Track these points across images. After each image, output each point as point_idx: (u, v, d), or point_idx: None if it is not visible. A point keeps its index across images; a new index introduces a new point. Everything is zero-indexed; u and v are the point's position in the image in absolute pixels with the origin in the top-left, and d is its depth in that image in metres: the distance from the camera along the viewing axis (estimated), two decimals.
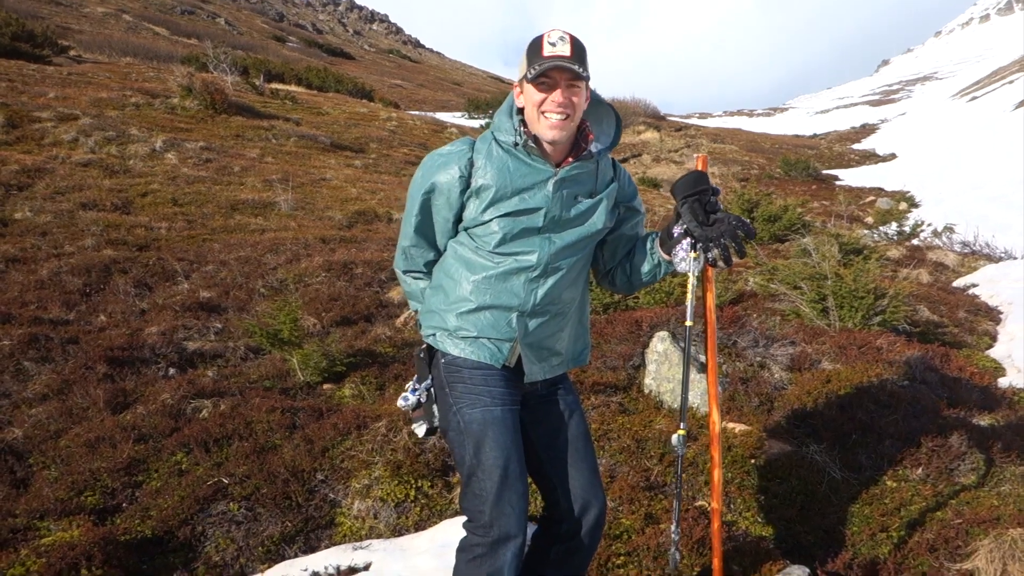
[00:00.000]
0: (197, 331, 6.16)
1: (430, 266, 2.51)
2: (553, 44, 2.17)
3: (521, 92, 2.28)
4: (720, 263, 2.33)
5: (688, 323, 2.57)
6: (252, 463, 3.98)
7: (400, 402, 2.47)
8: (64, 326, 6.06)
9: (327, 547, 3.54)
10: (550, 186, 2.26)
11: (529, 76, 2.19)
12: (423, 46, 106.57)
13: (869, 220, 17.80)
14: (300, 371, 5.35)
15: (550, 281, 2.31)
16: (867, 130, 53.67)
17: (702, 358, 5.05)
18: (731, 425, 4.29)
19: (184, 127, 14.93)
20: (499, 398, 2.30)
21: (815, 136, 52.07)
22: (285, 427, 4.39)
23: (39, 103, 14.12)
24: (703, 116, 74.13)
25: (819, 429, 4.32)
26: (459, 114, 37.58)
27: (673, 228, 2.36)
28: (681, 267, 2.36)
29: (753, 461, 3.97)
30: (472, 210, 2.30)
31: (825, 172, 29.99)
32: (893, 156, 36.66)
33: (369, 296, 7.35)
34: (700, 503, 3.68)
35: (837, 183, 27.53)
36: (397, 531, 3.64)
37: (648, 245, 2.44)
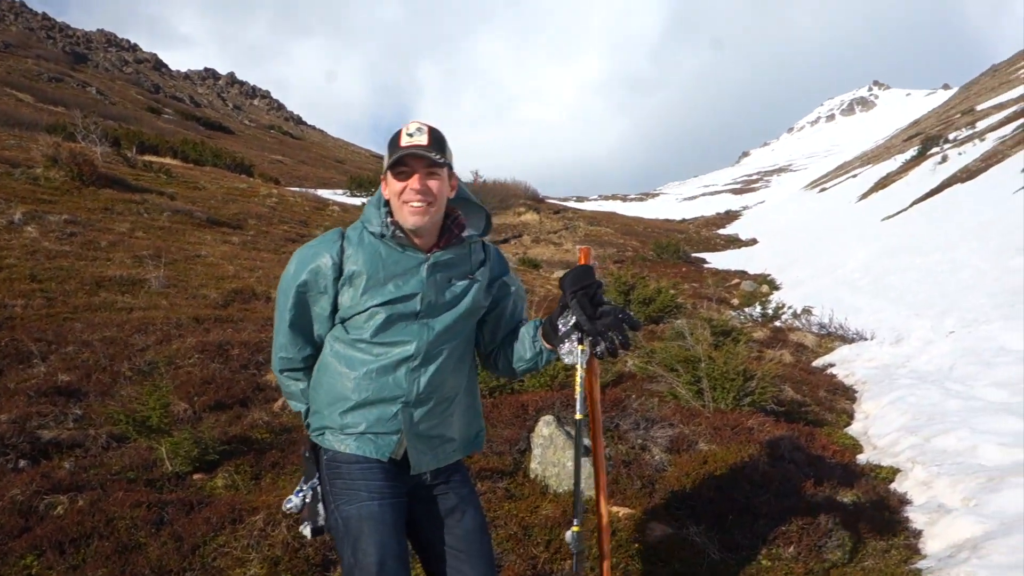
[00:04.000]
0: (53, 418, 5.72)
1: (309, 362, 2.46)
2: (411, 135, 2.25)
3: (386, 184, 2.33)
4: (607, 356, 2.37)
5: (578, 416, 2.59)
6: (114, 565, 3.68)
7: (285, 504, 2.40)
8: None
9: None
10: (423, 271, 2.30)
11: (388, 166, 2.28)
12: (305, 123, 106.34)
13: (735, 302, 18.81)
14: (169, 460, 5.05)
15: (432, 368, 2.31)
16: (731, 216, 57.26)
17: (586, 441, 5.12)
18: (615, 509, 4.34)
19: (47, 199, 14.16)
20: (377, 492, 2.26)
21: (684, 221, 55.08)
22: (151, 523, 4.10)
23: None
24: (580, 199, 77.06)
25: (698, 510, 4.44)
26: (341, 191, 37.47)
27: (558, 321, 2.39)
28: (568, 359, 2.39)
29: (637, 545, 4.03)
30: (347, 298, 2.31)
31: (694, 255, 31.66)
32: (755, 241, 39.20)
33: (245, 379, 7.07)
34: None
35: (705, 266, 29.07)
36: None
37: (531, 333, 2.47)
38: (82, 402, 6.20)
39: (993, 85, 68.14)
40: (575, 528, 2.55)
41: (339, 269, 2.30)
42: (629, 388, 6.92)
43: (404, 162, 2.25)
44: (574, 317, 2.35)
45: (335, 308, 2.35)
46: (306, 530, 2.40)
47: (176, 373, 7.01)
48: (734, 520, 4.34)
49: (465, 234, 2.40)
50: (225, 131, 57.93)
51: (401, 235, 2.30)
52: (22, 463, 5.01)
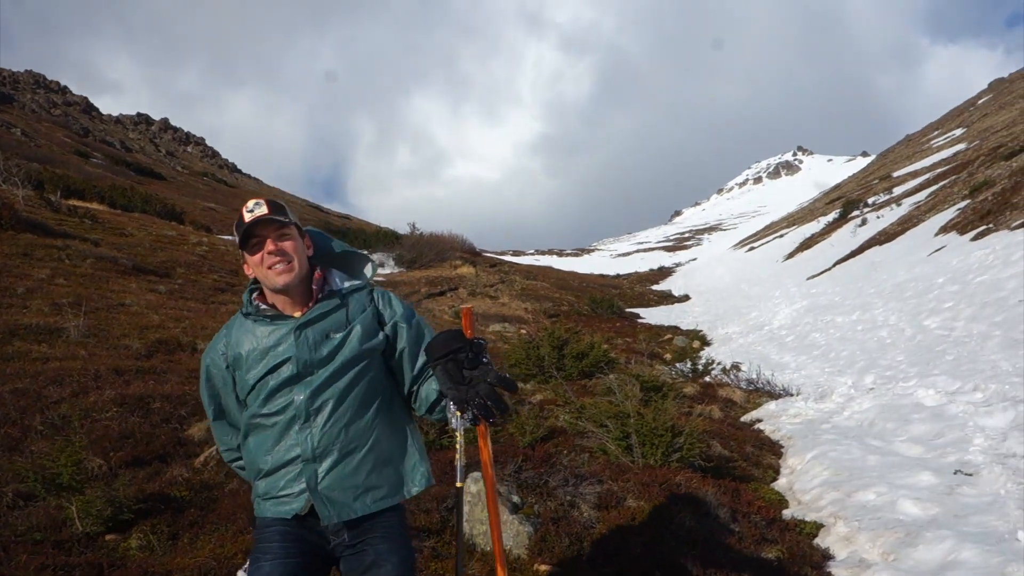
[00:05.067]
0: None
1: None
2: (251, 210, 2.37)
3: (247, 264, 2.44)
4: (483, 421, 2.32)
5: (458, 484, 2.55)
6: None
7: None
8: None
9: None
10: (291, 335, 2.37)
11: (240, 244, 2.39)
12: (240, 171, 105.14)
13: (667, 356, 19.11)
14: (79, 520, 4.81)
15: (320, 422, 2.34)
16: (664, 272, 58.52)
17: (515, 498, 5.09)
18: (542, 567, 4.31)
19: None
20: (275, 553, 2.34)
21: (618, 276, 56.03)
22: None
23: None
24: (516, 253, 77.75)
25: (625, 568, 4.44)
26: None
27: (433, 388, 2.44)
28: (453, 423, 2.37)
29: None
30: (239, 381, 2.43)
31: (628, 310, 32.13)
32: (687, 297, 40.07)
33: (166, 433, 6.83)
34: None
35: (639, 321, 29.51)
36: None
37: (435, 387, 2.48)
38: None
39: (908, 153, 72.03)
40: None
41: (227, 359, 2.44)
42: (560, 443, 6.93)
43: (252, 233, 2.38)
44: (441, 387, 2.34)
45: (237, 393, 2.47)
46: None
47: (92, 427, 6.72)
48: None
49: (335, 284, 2.49)
50: (157, 177, 56.81)
51: (266, 308, 2.43)
52: None
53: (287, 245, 2.38)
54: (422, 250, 37.54)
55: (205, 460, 6.22)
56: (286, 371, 2.35)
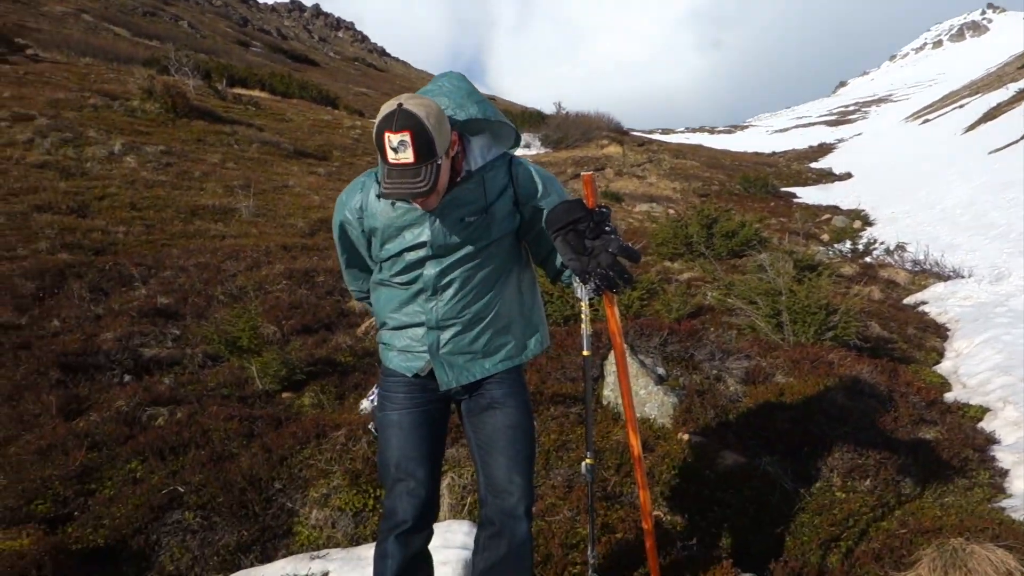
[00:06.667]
0: (154, 337, 6.08)
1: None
2: (395, 150, 2.07)
3: None
4: (606, 291, 2.27)
5: (585, 353, 2.57)
6: (209, 472, 3.94)
7: (361, 405, 2.58)
8: (16, 331, 5.95)
9: (284, 556, 3.52)
10: (428, 220, 2.31)
11: (381, 180, 2.15)
12: (389, 55, 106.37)
13: (825, 238, 18.18)
14: (259, 379, 5.31)
15: (446, 296, 2.38)
16: (824, 149, 54.87)
17: (660, 370, 5.13)
18: (687, 436, 4.36)
19: (144, 130, 14.73)
20: (400, 403, 2.48)
21: (774, 154, 53.09)
22: (243, 435, 4.36)
23: None
24: (666, 132, 75.17)
25: (772, 441, 4.42)
26: None
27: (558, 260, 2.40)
28: (577, 293, 2.37)
29: (708, 472, 4.05)
30: (373, 246, 2.46)
31: (783, 190, 30.59)
32: (849, 175, 37.54)
33: (330, 305, 7.32)
34: (656, 513, 3.74)
35: (795, 201, 28.08)
36: (355, 540, 3.64)
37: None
38: (179, 323, 6.56)
39: None
40: (588, 460, 2.65)
41: (362, 224, 2.43)
42: (707, 320, 6.85)
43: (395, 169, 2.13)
44: (562, 259, 2.28)
45: (370, 251, 2.52)
46: (372, 428, 2.64)
47: (265, 298, 7.31)
48: (808, 452, 4.30)
49: (473, 166, 2.34)
50: (311, 64, 58.56)
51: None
52: (126, 378, 5.37)
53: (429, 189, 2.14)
54: (568, 130, 37.03)
55: (366, 330, 6.64)
56: (421, 252, 2.34)
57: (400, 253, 2.37)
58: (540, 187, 2.41)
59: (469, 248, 2.35)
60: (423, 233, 2.32)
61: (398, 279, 2.42)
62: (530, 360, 2.60)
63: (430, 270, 2.36)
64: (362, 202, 2.41)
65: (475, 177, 2.33)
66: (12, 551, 3.20)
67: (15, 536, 3.41)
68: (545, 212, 2.37)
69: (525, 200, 2.41)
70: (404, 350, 2.48)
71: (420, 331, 2.44)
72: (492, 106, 2.40)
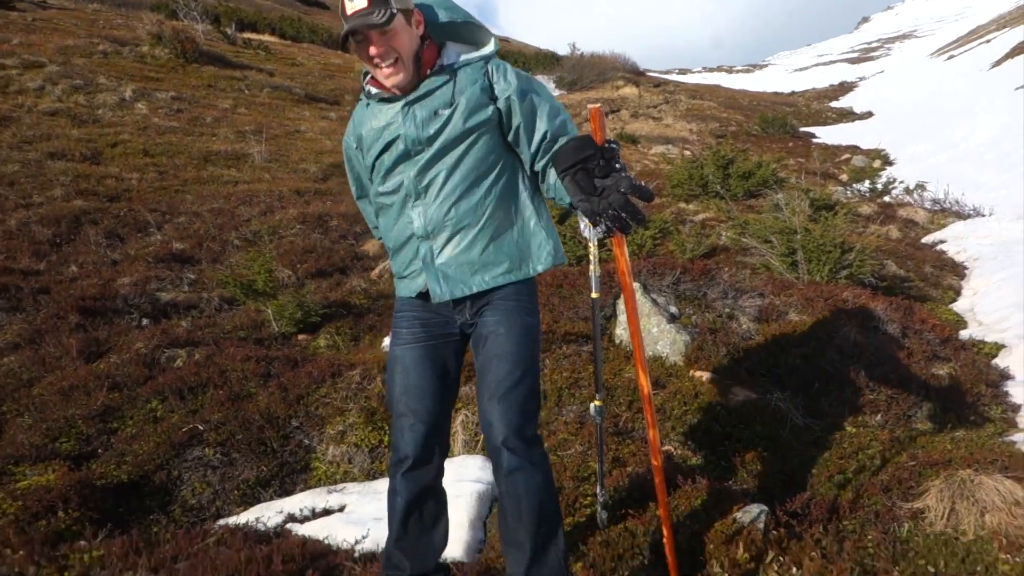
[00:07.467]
0: (170, 282, 6.15)
1: None
2: (351, 0, 2.18)
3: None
4: (616, 233, 2.16)
5: (594, 295, 2.51)
6: (227, 410, 4.02)
7: (385, 340, 2.58)
8: (34, 276, 6.02)
9: (302, 491, 3.61)
10: (399, 114, 2.32)
11: (342, 43, 2.25)
12: None
13: (844, 177, 17.91)
14: (275, 322, 5.37)
15: (429, 198, 2.33)
16: (845, 88, 53.66)
17: (672, 309, 5.14)
18: (699, 373, 4.39)
19: (154, 76, 14.63)
20: (404, 339, 2.45)
21: (793, 94, 52.01)
22: (260, 376, 4.43)
23: (2, 49, 13.77)
24: (683, 72, 73.70)
25: (784, 378, 4.44)
26: None
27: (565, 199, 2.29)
28: (585, 233, 2.28)
29: (719, 408, 4.08)
30: (365, 161, 2.46)
31: (802, 130, 30.05)
32: (870, 114, 36.77)
33: (344, 248, 7.35)
34: (667, 448, 3.79)
35: (814, 141, 27.62)
36: (371, 475, 3.72)
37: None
38: (195, 267, 6.62)
39: None
40: (597, 402, 2.65)
41: (356, 140, 2.47)
42: (721, 260, 6.82)
43: (355, 31, 2.20)
44: (571, 199, 2.19)
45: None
46: None
47: (279, 242, 7.34)
48: (820, 388, 4.32)
49: (445, 60, 2.34)
50: (321, 7, 57.56)
51: (377, 92, 2.36)
52: (144, 321, 5.45)
53: (394, 42, 2.22)
54: (583, 71, 36.37)
55: (380, 272, 6.67)
56: (396, 150, 2.32)
57: (380, 155, 2.37)
58: (514, 78, 2.35)
59: (442, 141, 2.30)
60: (397, 128, 2.32)
61: (383, 188, 2.40)
62: (540, 273, 2.50)
63: (409, 171, 2.33)
64: (356, 119, 2.46)
65: (447, 70, 2.34)
66: (39, 486, 3.30)
67: (41, 472, 3.51)
68: (517, 102, 2.32)
69: (499, 92, 2.35)
70: (406, 273, 2.45)
71: (416, 244, 2.38)
72: (476, 20, 2.45)
